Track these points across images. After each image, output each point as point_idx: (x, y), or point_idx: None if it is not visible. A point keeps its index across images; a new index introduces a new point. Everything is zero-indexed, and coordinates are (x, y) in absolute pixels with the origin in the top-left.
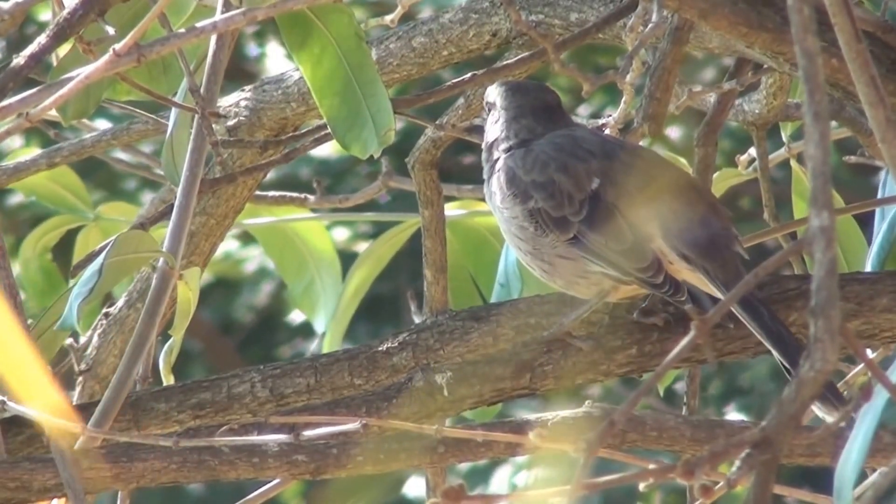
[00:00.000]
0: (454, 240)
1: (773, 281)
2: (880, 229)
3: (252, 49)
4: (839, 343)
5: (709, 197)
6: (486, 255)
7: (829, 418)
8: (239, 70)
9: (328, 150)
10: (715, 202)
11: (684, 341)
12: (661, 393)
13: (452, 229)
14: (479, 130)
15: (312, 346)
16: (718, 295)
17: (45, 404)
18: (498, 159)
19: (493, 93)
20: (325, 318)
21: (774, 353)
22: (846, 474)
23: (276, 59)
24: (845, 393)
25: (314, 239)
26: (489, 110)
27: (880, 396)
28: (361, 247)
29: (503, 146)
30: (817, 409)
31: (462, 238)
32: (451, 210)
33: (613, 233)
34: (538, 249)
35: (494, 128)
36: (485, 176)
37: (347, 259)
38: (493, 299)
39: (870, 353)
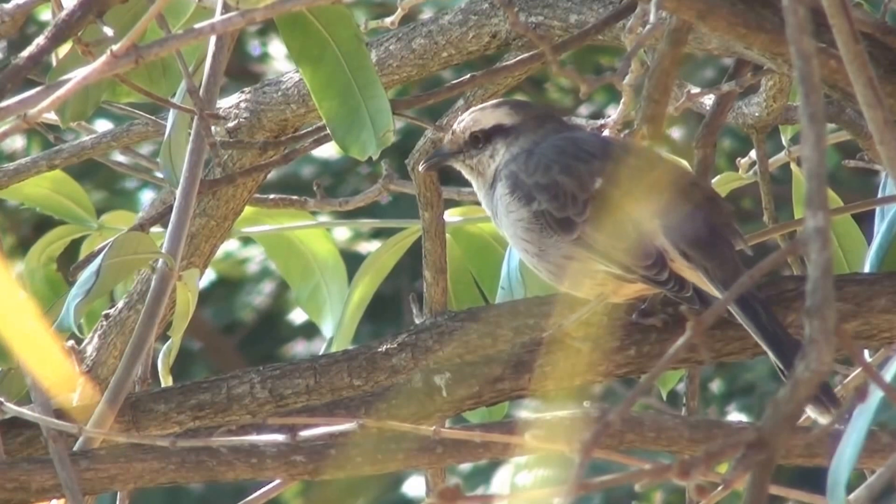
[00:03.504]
0: (457, 245)
1: (772, 282)
2: (879, 229)
3: (255, 48)
4: (835, 344)
5: (710, 195)
6: (489, 259)
7: (822, 420)
8: (243, 70)
9: (329, 149)
10: (717, 200)
11: (679, 341)
12: (664, 396)
13: (455, 234)
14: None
15: (319, 350)
16: (718, 294)
17: (52, 370)
18: (500, 168)
19: (489, 117)
20: (332, 321)
21: (769, 353)
22: (839, 473)
23: (279, 59)
24: (841, 394)
25: (317, 244)
26: (484, 139)
27: (875, 396)
28: (363, 246)
29: (506, 158)
30: (810, 411)
31: (465, 243)
32: (454, 216)
33: (617, 231)
34: (544, 251)
35: (497, 147)
36: (484, 188)
37: (349, 258)
38: (495, 302)
39: (867, 354)
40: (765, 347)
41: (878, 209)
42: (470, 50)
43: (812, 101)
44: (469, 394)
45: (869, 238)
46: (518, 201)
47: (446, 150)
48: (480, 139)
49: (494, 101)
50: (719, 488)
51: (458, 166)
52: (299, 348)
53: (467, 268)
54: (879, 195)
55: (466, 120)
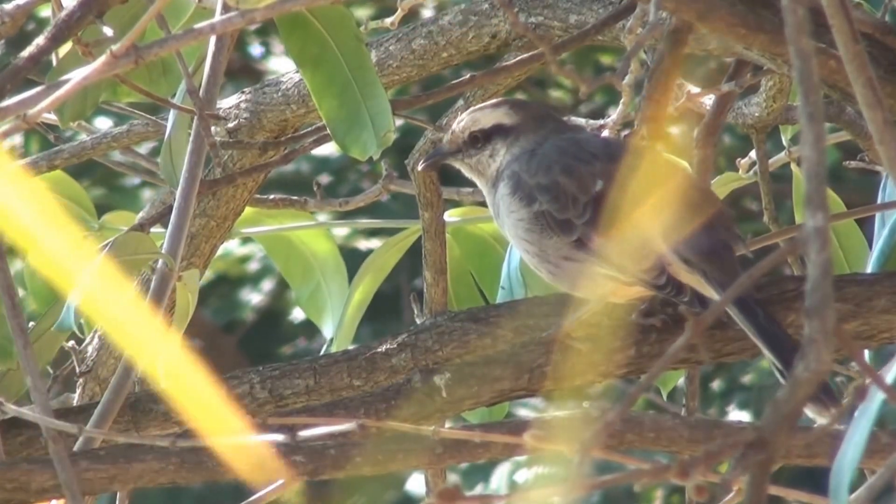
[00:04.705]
0: (457, 245)
1: (772, 282)
2: (881, 234)
3: (256, 49)
4: (834, 344)
5: (712, 198)
6: (490, 259)
7: (821, 419)
8: (245, 69)
9: (329, 147)
10: (718, 204)
11: (679, 342)
12: (665, 396)
13: (455, 235)
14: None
15: (320, 350)
16: (717, 297)
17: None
18: (502, 168)
19: (489, 117)
20: (332, 322)
21: (767, 354)
22: (842, 474)
23: (280, 58)
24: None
25: (318, 244)
26: (483, 138)
27: (876, 397)
28: (362, 244)
29: (508, 158)
30: (809, 410)
31: (465, 243)
32: (454, 216)
33: (617, 234)
34: (544, 252)
35: (499, 149)
36: (485, 188)
37: (347, 256)
38: (496, 303)
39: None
40: (762, 348)
41: (878, 214)
42: (470, 50)
43: (811, 100)
44: (469, 394)
45: (869, 238)
46: (519, 201)
47: (445, 150)
48: (480, 139)
49: (494, 101)
50: (731, 494)
51: (457, 165)
52: (301, 347)
53: (467, 268)
54: (879, 195)
55: (466, 120)
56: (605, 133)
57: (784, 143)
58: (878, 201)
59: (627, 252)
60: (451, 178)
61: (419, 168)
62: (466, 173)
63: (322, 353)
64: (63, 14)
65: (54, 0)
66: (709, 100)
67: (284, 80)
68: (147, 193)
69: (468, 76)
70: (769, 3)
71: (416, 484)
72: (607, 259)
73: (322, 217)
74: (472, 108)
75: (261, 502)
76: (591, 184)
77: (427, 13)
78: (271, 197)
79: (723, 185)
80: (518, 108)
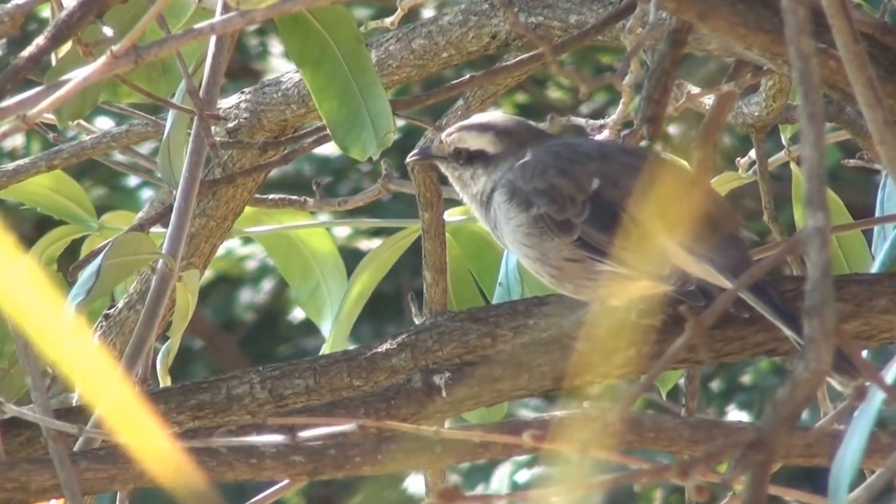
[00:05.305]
0: (456, 244)
1: (772, 282)
2: (880, 243)
3: (255, 47)
4: (834, 343)
5: (710, 191)
6: (489, 258)
7: (846, 389)
8: (245, 69)
9: (330, 146)
10: (717, 196)
11: (678, 342)
12: (664, 395)
13: (454, 234)
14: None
15: (320, 349)
16: (727, 285)
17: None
18: (485, 191)
19: (475, 140)
20: (331, 321)
21: (787, 331)
22: (842, 475)
23: (280, 58)
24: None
25: (317, 243)
26: (466, 159)
27: (876, 397)
28: (363, 244)
29: (490, 185)
30: (833, 380)
31: (464, 242)
32: (454, 215)
33: (617, 230)
34: (545, 255)
35: (491, 167)
36: (474, 203)
37: (348, 256)
38: (493, 300)
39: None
40: (781, 326)
41: (876, 228)
42: (470, 50)
43: (811, 100)
44: (469, 394)
45: (869, 239)
46: (517, 207)
47: (434, 152)
48: (463, 157)
49: (483, 122)
50: (728, 496)
51: (443, 170)
52: (300, 346)
53: (467, 267)
54: (879, 195)
55: (454, 135)
56: (606, 133)
57: (784, 142)
58: (878, 201)
59: (629, 246)
60: None
61: (408, 160)
62: (451, 181)
63: (321, 351)
64: (63, 14)
65: (54, 0)
66: (709, 100)
67: (284, 80)
68: (147, 193)
69: (468, 76)
70: (769, 3)
71: (416, 484)
72: (609, 255)
73: (322, 217)
74: (462, 123)
75: (267, 502)
76: (587, 182)
77: (427, 13)
78: (271, 197)
79: (723, 185)
80: (504, 136)
